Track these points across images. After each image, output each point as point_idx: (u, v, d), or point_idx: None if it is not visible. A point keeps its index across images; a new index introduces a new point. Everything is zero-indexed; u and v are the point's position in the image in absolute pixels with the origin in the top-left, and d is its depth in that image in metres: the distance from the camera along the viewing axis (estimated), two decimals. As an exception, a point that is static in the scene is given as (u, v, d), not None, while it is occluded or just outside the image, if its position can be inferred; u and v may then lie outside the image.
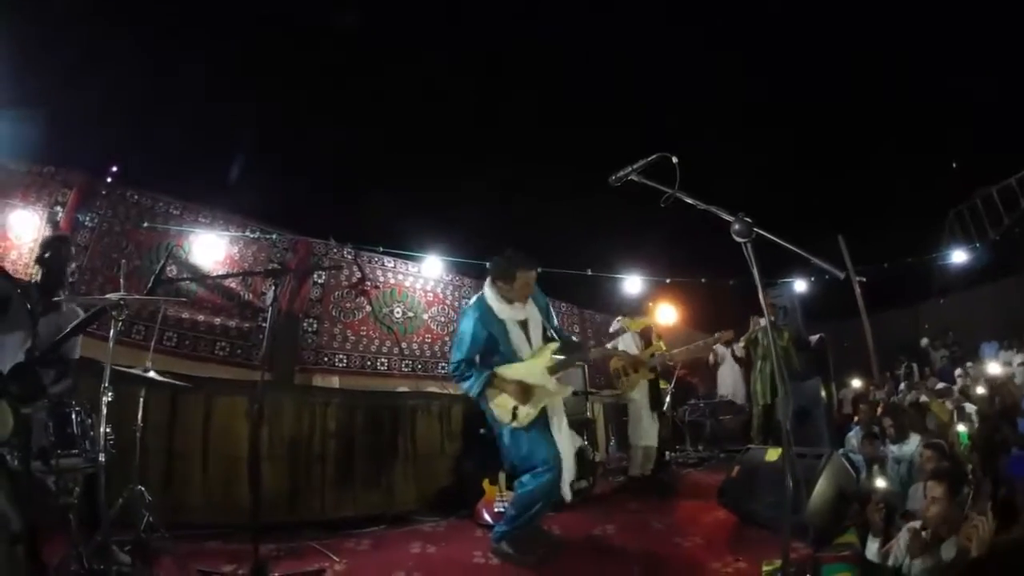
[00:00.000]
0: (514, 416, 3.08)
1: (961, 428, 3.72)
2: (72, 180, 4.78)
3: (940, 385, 7.11)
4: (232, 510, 3.60)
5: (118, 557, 2.39)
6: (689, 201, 2.13)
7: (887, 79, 11.11)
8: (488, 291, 3.21)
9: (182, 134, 6.21)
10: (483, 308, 3.18)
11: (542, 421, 3.13)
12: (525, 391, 3.05)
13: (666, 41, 10.21)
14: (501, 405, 3.12)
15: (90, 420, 2.51)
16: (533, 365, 3.15)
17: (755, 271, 2.07)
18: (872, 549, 2.66)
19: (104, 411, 2.43)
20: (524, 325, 3.22)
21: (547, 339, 3.30)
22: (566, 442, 3.16)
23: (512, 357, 3.17)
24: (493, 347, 3.17)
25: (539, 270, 3.27)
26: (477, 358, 3.18)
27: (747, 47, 10.54)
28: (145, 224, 5.03)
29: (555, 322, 3.41)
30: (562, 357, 3.16)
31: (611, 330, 5.61)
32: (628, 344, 5.34)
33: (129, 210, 5.07)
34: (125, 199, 5.08)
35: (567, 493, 3.11)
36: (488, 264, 3.28)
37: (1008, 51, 9.34)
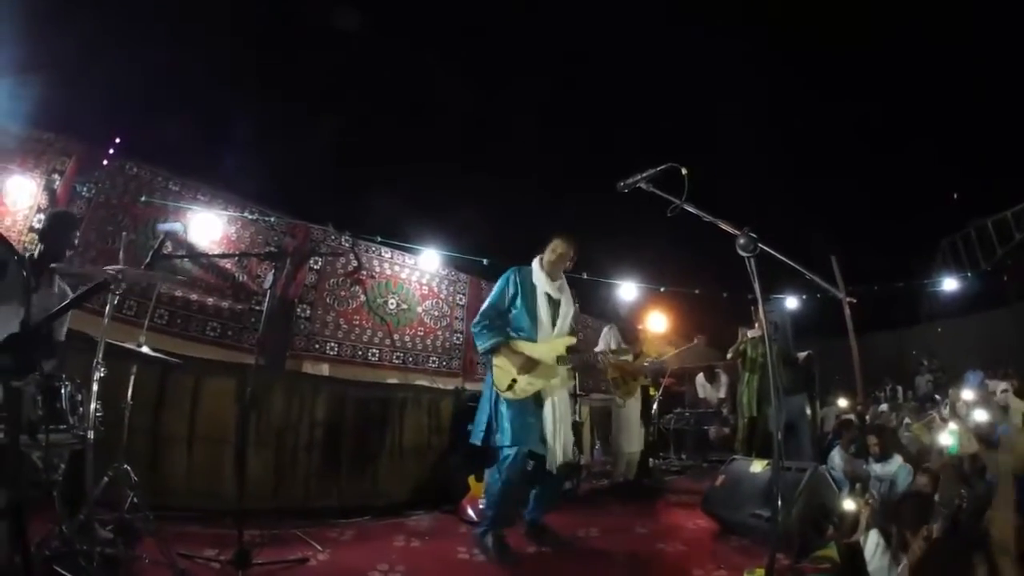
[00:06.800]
0: (510, 387, 3.14)
1: (953, 427, 3.73)
2: (71, 149, 4.69)
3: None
4: (216, 494, 3.59)
5: (101, 536, 2.36)
6: (695, 213, 2.15)
7: (894, 102, 11.25)
8: (535, 261, 3.38)
9: (185, 111, 6.15)
10: (522, 270, 3.35)
11: (533, 404, 3.17)
12: (529, 365, 3.13)
13: (672, 53, 10.27)
14: (503, 368, 3.19)
15: (79, 396, 2.48)
16: (545, 348, 3.22)
17: (756, 285, 2.09)
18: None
19: (95, 387, 2.41)
20: (555, 304, 3.31)
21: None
22: (560, 423, 3.17)
23: (527, 323, 3.25)
24: (512, 307, 3.28)
25: (573, 261, 3.40)
26: (501, 319, 3.30)
27: (749, 63, 10.63)
28: (143, 198, 4.97)
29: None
30: (574, 352, 3.24)
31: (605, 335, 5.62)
32: (612, 346, 5.36)
33: (128, 183, 4.98)
34: (124, 171, 4.99)
35: (553, 465, 3.12)
36: None
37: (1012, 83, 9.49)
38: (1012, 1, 9.03)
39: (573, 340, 3.26)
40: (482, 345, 3.27)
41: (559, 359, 3.19)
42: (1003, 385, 6.60)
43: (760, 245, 1.98)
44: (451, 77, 8.99)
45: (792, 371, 5.99)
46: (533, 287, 3.30)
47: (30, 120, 4.51)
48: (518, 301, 3.29)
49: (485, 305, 3.38)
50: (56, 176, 4.61)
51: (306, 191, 6.77)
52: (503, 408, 3.19)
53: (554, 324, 3.29)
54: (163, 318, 4.89)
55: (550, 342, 3.23)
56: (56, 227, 2.87)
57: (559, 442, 3.13)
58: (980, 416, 4.94)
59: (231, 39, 6.97)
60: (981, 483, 3.25)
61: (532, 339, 3.25)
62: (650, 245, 8.57)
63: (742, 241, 1.96)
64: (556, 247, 3.33)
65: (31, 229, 4.32)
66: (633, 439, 5.19)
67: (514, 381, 3.16)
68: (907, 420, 6.45)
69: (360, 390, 4.73)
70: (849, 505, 3.11)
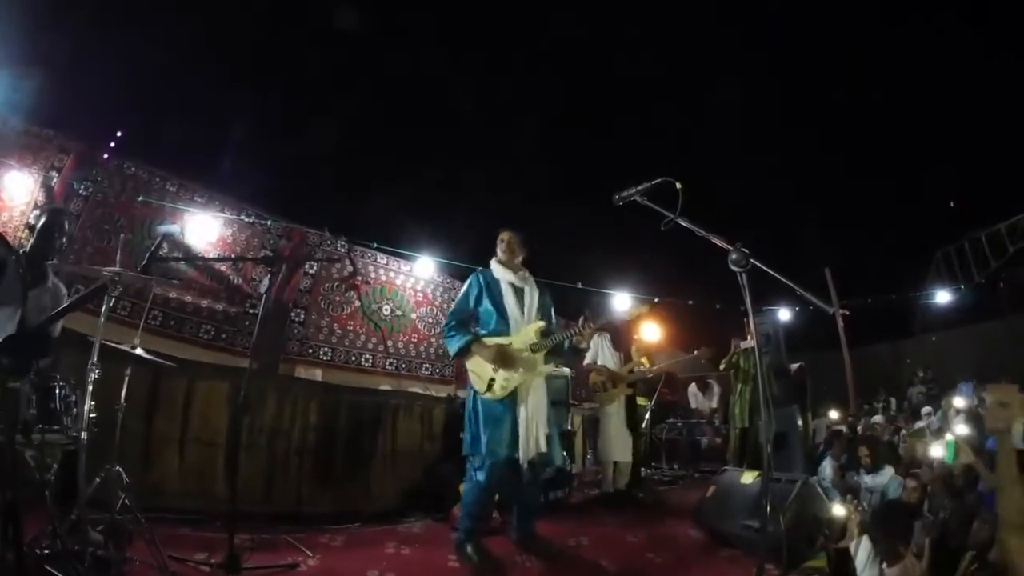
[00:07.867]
0: (489, 387, 3.08)
1: (950, 437, 3.76)
2: (70, 146, 4.69)
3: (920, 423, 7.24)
4: (207, 497, 3.58)
5: (92, 538, 2.36)
6: (689, 227, 2.17)
7: (888, 117, 11.38)
8: (493, 259, 3.39)
9: (184, 113, 6.18)
10: (485, 270, 3.36)
11: (511, 404, 3.09)
12: (504, 357, 3.08)
13: (669, 62, 10.37)
14: (478, 371, 3.15)
15: (73, 396, 2.49)
16: (517, 338, 3.19)
17: (748, 299, 2.11)
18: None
19: (90, 388, 2.41)
20: (520, 292, 3.31)
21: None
22: (534, 416, 3.07)
23: (497, 317, 3.22)
24: (480, 303, 3.27)
25: (512, 234, 3.36)
26: (470, 321, 3.29)
27: (744, 72, 10.75)
28: (140, 198, 4.96)
29: (553, 324, 3.39)
30: (547, 336, 3.19)
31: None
32: (601, 351, 5.36)
33: (125, 182, 4.98)
34: (121, 170, 4.99)
35: (523, 459, 3.02)
36: None
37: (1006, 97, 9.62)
38: (1010, 15, 9.18)
39: (543, 324, 3.22)
40: (452, 348, 3.23)
41: (532, 347, 3.15)
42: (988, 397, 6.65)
43: (752, 260, 2.00)
44: (448, 85, 9.05)
45: (784, 382, 6.02)
46: (497, 281, 3.30)
47: (29, 116, 4.51)
48: (484, 299, 3.27)
49: (452, 309, 3.39)
50: (54, 173, 4.61)
51: (303, 196, 6.80)
52: (480, 415, 3.12)
53: (523, 310, 3.26)
54: (157, 319, 4.89)
55: (521, 332, 3.20)
56: (47, 223, 2.86)
57: (532, 435, 3.03)
58: (962, 429, 5.00)
59: (231, 42, 7.00)
60: (972, 494, 3.28)
61: (505, 333, 3.21)
62: (645, 256, 8.63)
63: (734, 256, 1.98)
64: (502, 237, 3.36)
65: (27, 226, 4.31)
66: (614, 447, 5.14)
67: (492, 380, 3.08)
68: (903, 431, 6.50)
69: (353, 396, 4.72)
70: (838, 511, 3.14)
